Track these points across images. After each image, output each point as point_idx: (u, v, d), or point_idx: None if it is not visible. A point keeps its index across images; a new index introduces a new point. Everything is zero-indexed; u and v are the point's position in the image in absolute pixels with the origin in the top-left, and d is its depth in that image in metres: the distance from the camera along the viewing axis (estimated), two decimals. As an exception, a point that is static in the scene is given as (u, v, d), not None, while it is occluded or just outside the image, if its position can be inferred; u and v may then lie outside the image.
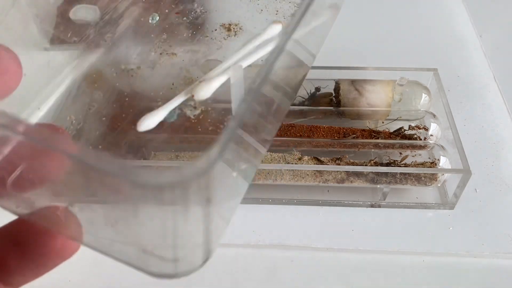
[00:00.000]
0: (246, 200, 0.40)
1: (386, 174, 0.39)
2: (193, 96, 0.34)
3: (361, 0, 0.61)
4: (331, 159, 0.40)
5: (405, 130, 0.42)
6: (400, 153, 0.41)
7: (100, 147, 0.38)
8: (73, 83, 0.44)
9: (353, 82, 0.44)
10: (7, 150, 0.16)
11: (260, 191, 0.41)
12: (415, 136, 0.41)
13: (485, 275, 0.37)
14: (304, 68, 0.26)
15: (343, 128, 0.42)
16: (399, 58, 0.54)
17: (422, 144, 0.41)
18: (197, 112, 0.35)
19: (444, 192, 0.41)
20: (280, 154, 0.40)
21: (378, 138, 0.41)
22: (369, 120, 0.43)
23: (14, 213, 0.19)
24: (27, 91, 0.49)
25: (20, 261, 0.19)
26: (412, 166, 0.39)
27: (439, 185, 0.40)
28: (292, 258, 0.37)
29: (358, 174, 0.39)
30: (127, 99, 0.44)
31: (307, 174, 0.39)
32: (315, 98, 0.44)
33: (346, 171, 0.39)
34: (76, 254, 0.39)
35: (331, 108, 0.44)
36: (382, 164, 0.40)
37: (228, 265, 0.37)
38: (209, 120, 0.35)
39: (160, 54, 0.41)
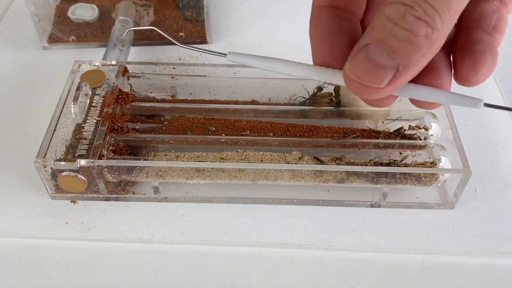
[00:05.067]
0: (246, 200, 0.40)
1: (386, 174, 0.39)
2: None
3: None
4: (331, 159, 0.40)
5: (405, 130, 0.42)
6: (400, 153, 0.41)
7: (98, 143, 0.38)
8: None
9: (353, 82, 0.43)
10: None
11: (260, 191, 0.41)
12: (415, 136, 0.41)
13: (485, 275, 0.37)
14: None
15: (343, 128, 0.42)
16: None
17: (422, 144, 0.41)
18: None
19: (444, 192, 0.41)
20: (280, 154, 0.40)
21: (378, 138, 0.41)
22: (369, 120, 0.43)
23: None
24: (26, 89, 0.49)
25: None
26: (412, 166, 0.39)
27: (439, 185, 0.40)
28: (292, 258, 0.37)
29: (358, 174, 0.39)
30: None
31: (307, 174, 0.39)
32: (315, 98, 0.44)
33: (346, 171, 0.39)
34: (75, 254, 0.39)
35: (331, 108, 0.43)
36: (382, 164, 0.40)
37: (228, 265, 0.37)
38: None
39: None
